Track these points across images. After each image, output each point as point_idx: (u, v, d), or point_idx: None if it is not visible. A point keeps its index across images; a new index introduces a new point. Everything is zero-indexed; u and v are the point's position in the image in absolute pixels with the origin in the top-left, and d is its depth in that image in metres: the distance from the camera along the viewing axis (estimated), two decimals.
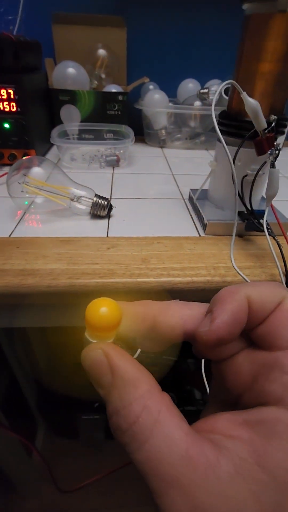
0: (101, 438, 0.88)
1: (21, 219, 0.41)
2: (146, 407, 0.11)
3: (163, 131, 0.74)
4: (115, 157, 0.61)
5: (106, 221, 0.42)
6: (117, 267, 0.33)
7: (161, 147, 0.77)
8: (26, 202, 0.43)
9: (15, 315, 0.36)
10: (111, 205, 0.42)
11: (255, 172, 0.36)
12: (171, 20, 0.76)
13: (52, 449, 0.89)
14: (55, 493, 0.78)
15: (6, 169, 0.56)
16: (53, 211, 0.43)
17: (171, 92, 0.76)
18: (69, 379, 0.66)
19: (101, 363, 0.13)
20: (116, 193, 0.50)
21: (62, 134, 0.64)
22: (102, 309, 0.14)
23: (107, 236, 0.39)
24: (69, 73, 0.67)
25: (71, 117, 0.68)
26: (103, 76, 0.72)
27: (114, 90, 0.71)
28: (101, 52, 0.69)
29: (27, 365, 0.78)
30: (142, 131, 0.78)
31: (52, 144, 0.69)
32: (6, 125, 0.52)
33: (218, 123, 0.37)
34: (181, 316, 0.15)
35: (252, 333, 0.14)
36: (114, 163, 0.62)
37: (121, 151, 0.62)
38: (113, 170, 0.61)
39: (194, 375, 0.82)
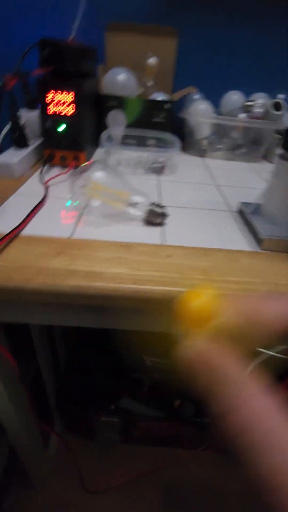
0: (117, 441, 0.88)
1: (79, 221, 0.42)
2: (254, 414, 0.11)
3: (205, 141, 0.75)
4: (161, 164, 0.62)
5: (158, 228, 0.43)
6: (179, 276, 0.33)
7: (201, 156, 0.78)
8: (84, 205, 0.44)
9: (69, 314, 0.37)
10: (165, 213, 0.43)
11: None
12: (220, 32, 0.77)
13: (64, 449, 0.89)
14: (68, 488, 0.79)
15: (56, 170, 0.58)
16: (109, 215, 0.44)
17: (214, 102, 0.76)
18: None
19: (201, 361, 0.12)
20: (164, 201, 0.51)
21: (108, 139, 0.66)
22: (198, 300, 0.12)
23: (164, 244, 0.39)
24: (119, 79, 0.69)
25: (116, 122, 0.69)
26: (150, 83, 0.73)
27: (160, 98, 0.72)
28: (152, 60, 0.71)
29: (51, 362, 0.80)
30: (182, 139, 0.79)
31: (97, 147, 0.71)
32: (62, 128, 0.54)
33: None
34: (287, 307, 0.14)
35: None
36: (159, 170, 0.63)
37: (166, 159, 0.63)
38: (158, 177, 0.62)
39: None
